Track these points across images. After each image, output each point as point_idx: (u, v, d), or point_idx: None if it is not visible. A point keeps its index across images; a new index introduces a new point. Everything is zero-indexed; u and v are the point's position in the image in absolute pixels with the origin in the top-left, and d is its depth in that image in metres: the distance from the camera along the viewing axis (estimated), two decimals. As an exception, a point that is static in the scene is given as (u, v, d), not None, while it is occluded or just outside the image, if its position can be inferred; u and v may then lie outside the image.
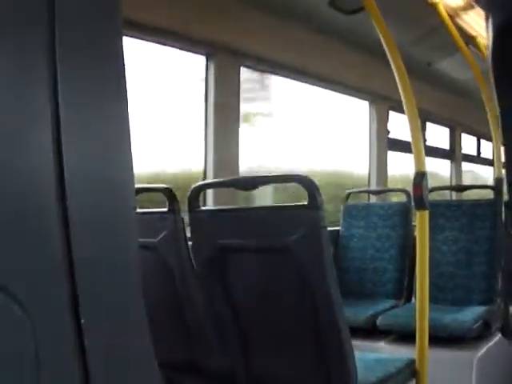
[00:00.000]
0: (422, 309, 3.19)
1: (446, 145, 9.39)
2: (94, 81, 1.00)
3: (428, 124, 8.36)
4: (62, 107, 0.93)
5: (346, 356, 2.48)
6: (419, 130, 3.20)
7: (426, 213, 3.16)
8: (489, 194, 5.44)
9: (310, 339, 2.57)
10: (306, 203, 2.37)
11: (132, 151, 1.04)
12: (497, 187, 5.09)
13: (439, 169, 9.44)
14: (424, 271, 3.19)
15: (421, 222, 3.17)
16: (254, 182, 2.59)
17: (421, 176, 3.12)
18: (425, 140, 7.86)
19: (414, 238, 3.32)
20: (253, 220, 2.62)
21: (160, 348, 1.14)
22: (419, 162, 3.14)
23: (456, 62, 7.18)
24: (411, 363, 3.08)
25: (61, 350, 0.94)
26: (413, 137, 3.18)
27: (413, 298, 4.86)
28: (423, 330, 3.18)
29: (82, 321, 0.95)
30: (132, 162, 1.05)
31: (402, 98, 3.21)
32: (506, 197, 2.96)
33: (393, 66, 3.19)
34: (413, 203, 4.77)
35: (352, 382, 2.51)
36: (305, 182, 2.38)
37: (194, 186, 2.82)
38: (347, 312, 2.60)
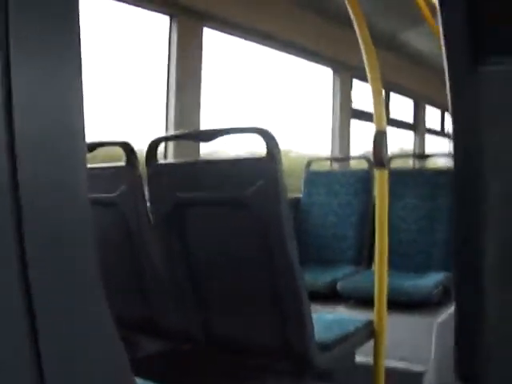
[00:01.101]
0: (380, 271, 3.17)
1: (410, 118, 9.42)
2: (46, 38, 0.97)
3: (393, 96, 8.37)
4: (13, 64, 0.90)
5: (303, 314, 2.45)
6: (380, 91, 3.17)
7: (385, 172, 3.15)
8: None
9: (268, 298, 2.54)
10: (263, 155, 2.34)
11: (83, 108, 1.02)
12: None
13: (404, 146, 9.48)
14: (383, 232, 3.17)
15: (380, 181, 3.14)
16: (213, 134, 2.55)
17: (381, 135, 3.11)
18: (388, 110, 7.86)
19: (375, 207, 3.31)
20: (211, 173, 2.58)
21: (116, 305, 1.11)
22: (379, 122, 3.12)
23: (421, 33, 7.18)
24: (370, 324, 3.07)
25: (8, 309, 0.92)
26: (374, 97, 3.16)
27: (373, 265, 4.87)
28: (382, 291, 3.16)
29: (30, 278, 0.92)
30: (83, 118, 1.02)
31: (365, 59, 3.17)
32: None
33: (358, 34, 3.15)
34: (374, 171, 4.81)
35: (310, 341, 2.49)
36: (263, 133, 2.35)
37: (152, 139, 2.77)
38: (307, 277, 2.58)
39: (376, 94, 3.15)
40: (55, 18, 0.98)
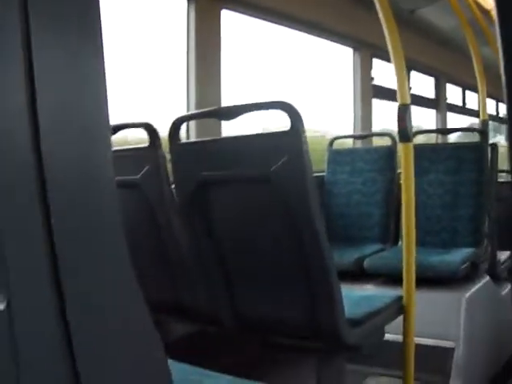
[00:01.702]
0: (408, 247, 3.15)
1: (431, 95, 9.38)
2: (68, 27, 0.97)
3: (413, 74, 8.33)
4: (35, 56, 0.90)
5: (332, 290, 2.43)
6: (402, 64, 3.15)
7: (411, 146, 3.12)
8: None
9: (296, 276, 2.52)
10: (287, 130, 2.32)
11: (106, 92, 1.02)
12: (483, 130, 5.05)
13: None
14: (410, 207, 3.15)
15: (405, 155, 3.12)
16: (236, 111, 2.53)
17: (404, 108, 3.09)
18: (410, 88, 7.82)
19: (400, 184, 3.29)
20: (234, 150, 2.55)
21: (142, 288, 1.10)
22: (403, 95, 3.10)
23: (440, 9, 7.13)
24: (399, 300, 3.05)
25: (38, 298, 0.91)
26: (397, 70, 3.13)
27: (399, 242, 4.85)
28: (410, 268, 3.15)
29: (61, 269, 0.92)
30: (107, 102, 1.02)
31: (386, 32, 3.14)
32: None
33: (378, 7, 3.12)
34: (398, 147, 4.78)
35: (340, 317, 2.48)
36: (287, 108, 2.32)
37: (174, 119, 2.75)
38: (333, 256, 2.55)
39: (398, 66, 3.13)
40: (75, 5, 0.98)
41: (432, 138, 8.19)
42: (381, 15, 3.11)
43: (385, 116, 7.70)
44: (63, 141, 0.95)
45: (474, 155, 4.76)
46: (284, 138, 2.32)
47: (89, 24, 1.00)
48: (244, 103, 2.49)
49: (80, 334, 0.94)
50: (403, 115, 3.07)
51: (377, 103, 7.36)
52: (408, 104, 3.09)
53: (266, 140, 2.43)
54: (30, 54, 0.89)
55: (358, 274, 4.40)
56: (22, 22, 0.88)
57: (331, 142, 5.53)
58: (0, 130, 0.86)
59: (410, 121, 3.10)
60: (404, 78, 3.13)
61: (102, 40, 1.00)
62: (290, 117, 2.29)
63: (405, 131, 3.08)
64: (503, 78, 1.56)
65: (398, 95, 3.11)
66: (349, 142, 6.65)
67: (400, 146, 3.19)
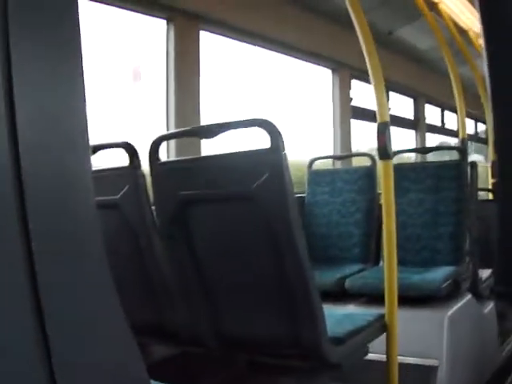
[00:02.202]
0: (390, 265, 3.16)
1: (410, 116, 9.44)
2: (48, 42, 0.97)
3: (392, 95, 8.38)
4: (14, 68, 0.90)
5: (314, 308, 2.43)
6: (382, 82, 3.16)
7: (391, 164, 3.13)
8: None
9: (278, 294, 2.51)
10: (267, 148, 2.31)
11: (86, 110, 1.02)
12: (462, 148, 5.07)
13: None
14: (390, 225, 3.16)
15: (385, 173, 3.13)
16: (216, 129, 2.52)
17: (384, 126, 3.11)
18: (389, 109, 7.87)
19: (380, 205, 3.29)
20: (214, 168, 2.55)
21: (125, 311, 1.09)
22: (382, 114, 3.12)
23: (417, 29, 7.20)
24: (381, 318, 3.05)
25: (16, 309, 0.90)
26: (376, 88, 3.15)
27: (380, 262, 4.85)
28: (392, 286, 3.15)
29: (40, 285, 0.91)
30: (86, 121, 1.02)
31: (364, 51, 3.16)
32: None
33: (356, 25, 3.14)
34: (377, 167, 4.79)
35: (322, 335, 2.47)
36: (267, 126, 2.32)
37: (154, 138, 2.74)
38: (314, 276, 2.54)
39: (377, 84, 3.14)
40: (56, 21, 0.97)
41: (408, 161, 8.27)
42: (360, 36, 3.13)
43: (363, 138, 7.74)
44: (43, 154, 0.94)
45: (453, 173, 4.77)
46: (264, 155, 2.32)
47: (69, 37, 0.99)
48: (224, 121, 2.49)
49: (56, 351, 0.92)
50: (383, 133, 3.08)
51: (355, 125, 7.40)
52: (387, 121, 3.11)
53: (247, 158, 2.43)
54: (9, 67, 0.88)
55: (340, 295, 4.38)
56: (1, 34, 0.88)
57: (311, 163, 5.53)
58: None
59: (390, 139, 3.11)
60: (383, 96, 3.15)
61: (81, 55, 1.00)
62: (270, 134, 2.29)
63: (384, 149, 3.09)
64: (488, 89, 1.57)
65: (378, 113, 3.12)
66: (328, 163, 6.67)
67: (380, 164, 3.20)
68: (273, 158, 2.29)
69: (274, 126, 2.31)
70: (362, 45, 3.14)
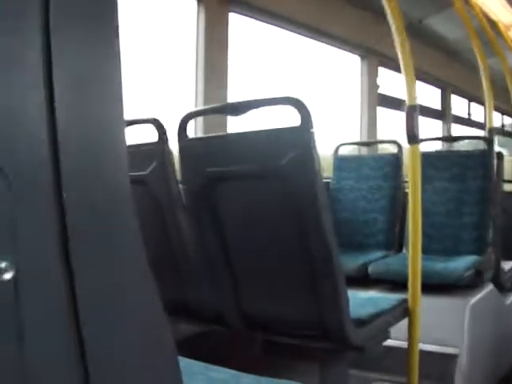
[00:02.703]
0: (414, 251, 3.15)
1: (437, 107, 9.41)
2: (87, 30, 0.97)
3: (419, 84, 8.35)
4: (54, 53, 0.90)
5: (338, 289, 2.42)
6: (411, 66, 3.15)
7: (418, 148, 3.12)
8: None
9: (303, 274, 2.50)
10: (296, 126, 2.31)
11: (121, 82, 1.02)
12: (489, 138, 5.04)
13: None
14: (416, 211, 3.15)
15: (413, 157, 3.12)
16: (245, 106, 2.52)
17: (412, 109, 3.09)
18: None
19: (404, 192, 3.28)
20: (242, 145, 2.54)
21: None
22: (411, 97, 3.10)
23: (447, 20, 7.15)
24: (404, 302, 3.04)
25: (48, 285, 0.90)
26: (405, 72, 3.13)
27: (404, 249, 4.84)
28: (416, 272, 3.14)
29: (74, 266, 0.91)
30: (121, 94, 1.02)
31: (394, 35, 3.14)
32: None
33: (389, 15, 3.13)
34: (403, 154, 4.77)
35: (345, 317, 2.47)
36: (296, 103, 2.31)
37: (183, 115, 2.74)
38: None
39: (407, 69, 3.13)
40: (94, 9, 0.98)
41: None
42: (391, 22, 3.11)
43: (389, 130, 7.72)
44: (80, 136, 0.95)
45: (479, 163, 4.75)
46: (294, 133, 2.31)
47: (107, 22, 1.00)
48: (252, 99, 2.49)
49: (88, 326, 0.92)
50: (411, 117, 3.07)
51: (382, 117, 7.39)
52: (416, 105, 3.09)
53: (275, 135, 2.42)
54: (49, 51, 0.89)
55: (363, 280, 4.38)
56: (42, 22, 0.88)
57: (337, 149, 5.53)
58: (20, 128, 0.86)
59: (418, 123, 3.09)
60: (412, 79, 3.14)
61: (119, 38, 1.00)
62: (299, 112, 2.28)
63: (412, 133, 3.08)
64: None
65: (407, 96, 3.11)
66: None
67: (407, 150, 3.19)
68: (302, 136, 2.28)
69: (304, 105, 2.29)
70: (393, 31, 3.13)
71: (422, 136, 3.25)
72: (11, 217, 0.84)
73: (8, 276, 0.83)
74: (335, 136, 7.18)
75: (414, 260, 3.14)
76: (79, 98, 0.95)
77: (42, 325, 0.88)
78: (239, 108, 2.55)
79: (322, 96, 6.66)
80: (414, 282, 3.11)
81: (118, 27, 1.00)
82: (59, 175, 0.90)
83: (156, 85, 4.51)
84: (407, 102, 3.10)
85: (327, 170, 5.33)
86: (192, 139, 2.75)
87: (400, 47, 3.13)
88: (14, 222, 0.84)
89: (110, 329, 0.97)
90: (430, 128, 9.31)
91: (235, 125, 4.63)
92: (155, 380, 1.07)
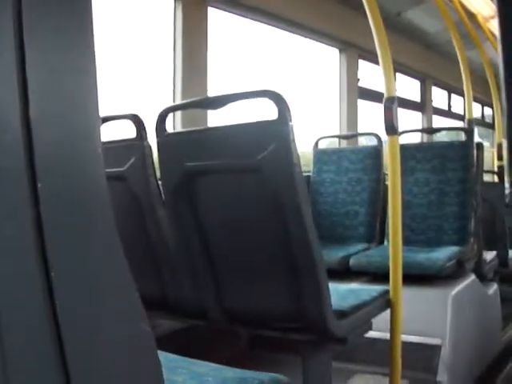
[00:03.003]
0: (395, 242, 3.15)
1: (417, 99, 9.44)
2: (60, 24, 0.96)
3: (399, 77, 8.37)
4: (27, 45, 0.90)
5: (319, 281, 2.42)
6: (389, 58, 3.15)
7: (397, 139, 3.13)
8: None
9: (283, 267, 2.50)
10: (274, 119, 2.30)
11: (96, 78, 1.02)
12: (469, 129, 5.06)
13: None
14: (396, 203, 3.15)
15: (392, 148, 3.12)
16: (223, 100, 2.50)
17: (391, 101, 3.10)
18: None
19: (385, 185, 3.29)
20: (220, 139, 2.53)
21: None
22: (390, 89, 3.11)
23: (426, 12, 7.18)
24: (385, 293, 3.04)
25: (25, 280, 0.90)
26: (383, 64, 3.14)
27: (385, 241, 4.85)
28: (397, 263, 3.14)
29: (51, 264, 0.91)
30: (97, 89, 1.02)
31: (372, 26, 3.14)
32: None
33: (368, 10, 3.13)
34: (384, 147, 4.78)
35: (327, 309, 2.46)
36: (274, 96, 2.30)
37: (161, 110, 2.73)
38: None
39: (385, 61, 3.13)
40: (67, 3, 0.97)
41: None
42: (369, 14, 3.12)
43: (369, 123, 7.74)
44: (54, 126, 0.94)
45: (459, 154, 4.77)
46: (272, 126, 2.30)
47: (81, 13, 0.99)
48: (230, 92, 2.48)
49: (65, 319, 0.92)
50: (389, 108, 3.08)
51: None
52: (394, 97, 3.10)
53: (254, 129, 2.41)
54: (22, 42, 0.89)
55: (344, 273, 4.39)
56: (14, 13, 0.88)
57: (317, 142, 5.54)
58: None
59: (397, 114, 3.10)
60: (390, 72, 3.15)
61: (93, 30, 1.00)
62: (277, 106, 2.27)
63: (391, 124, 3.08)
64: (502, 73, 1.55)
65: (385, 88, 3.12)
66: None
67: (386, 142, 3.19)
68: (280, 129, 2.27)
69: (282, 97, 2.29)
70: (371, 24, 3.13)
71: (402, 128, 3.25)
72: None
73: None
74: (316, 130, 7.21)
75: (394, 250, 3.14)
76: (53, 89, 0.94)
77: (17, 316, 0.87)
78: (217, 102, 2.54)
79: (301, 90, 6.66)
80: (395, 272, 3.12)
81: (91, 18, 0.99)
82: (33, 164, 0.89)
83: (134, 80, 4.49)
84: (385, 94, 3.11)
85: (307, 166, 5.32)
86: (170, 134, 2.74)
87: (378, 40, 3.13)
88: None
89: (86, 326, 0.96)
90: (411, 121, 9.35)
91: (218, 119, 4.63)
92: (134, 374, 1.06)
